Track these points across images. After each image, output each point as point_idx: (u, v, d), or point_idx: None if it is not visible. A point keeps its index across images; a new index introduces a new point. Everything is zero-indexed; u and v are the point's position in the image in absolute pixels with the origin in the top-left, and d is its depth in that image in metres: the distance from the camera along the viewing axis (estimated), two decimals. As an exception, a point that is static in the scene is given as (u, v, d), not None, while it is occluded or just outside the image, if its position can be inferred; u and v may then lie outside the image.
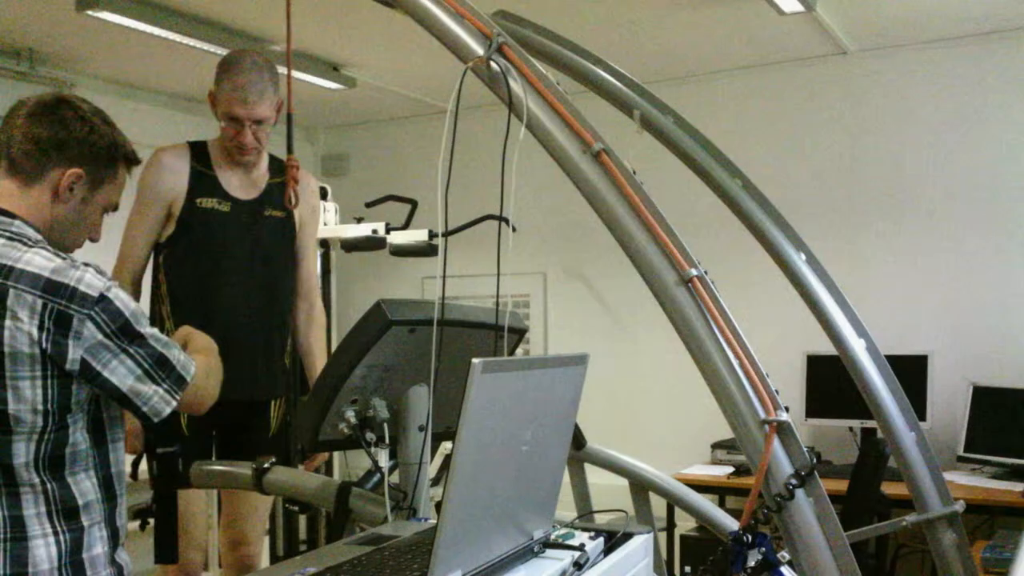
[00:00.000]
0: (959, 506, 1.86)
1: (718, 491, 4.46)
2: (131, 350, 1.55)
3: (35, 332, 1.48)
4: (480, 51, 1.53)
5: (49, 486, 1.54)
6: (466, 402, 1.07)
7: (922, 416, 4.18)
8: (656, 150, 2.17)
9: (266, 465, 2.08)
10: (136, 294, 2.52)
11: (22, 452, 1.51)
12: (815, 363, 4.59)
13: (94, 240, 1.71)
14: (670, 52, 4.76)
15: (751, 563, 1.44)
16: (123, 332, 1.54)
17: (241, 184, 2.58)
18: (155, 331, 1.60)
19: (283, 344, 2.68)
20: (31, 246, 1.54)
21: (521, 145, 1.48)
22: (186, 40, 4.20)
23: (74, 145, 1.62)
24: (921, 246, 4.64)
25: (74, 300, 1.50)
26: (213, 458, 2.54)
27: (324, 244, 4.80)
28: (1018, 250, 4.44)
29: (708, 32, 4.45)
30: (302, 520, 4.82)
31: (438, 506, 1.37)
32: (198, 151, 2.58)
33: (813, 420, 4.63)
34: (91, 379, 1.52)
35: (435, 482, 3.31)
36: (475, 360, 1.07)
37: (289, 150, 2.98)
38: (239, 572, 2.63)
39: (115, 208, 1.73)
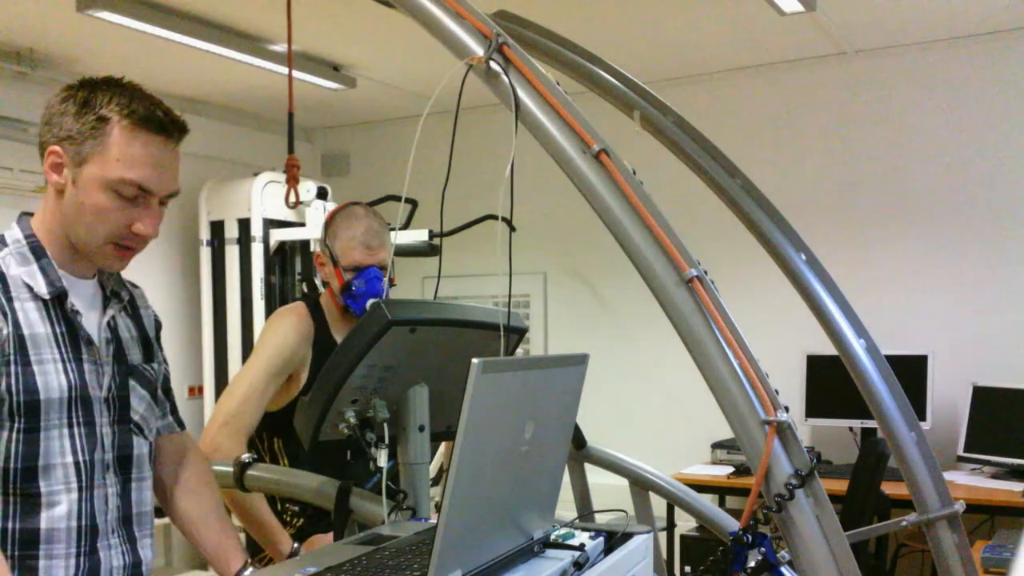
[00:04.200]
0: (959, 506, 1.86)
1: (718, 491, 4.46)
2: None
3: None
4: (480, 51, 1.53)
5: None
6: (466, 402, 1.07)
7: (922, 416, 4.19)
8: (656, 150, 2.17)
9: (246, 460, 2.03)
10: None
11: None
12: (815, 363, 4.60)
13: (139, 233, 1.49)
14: (670, 52, 4.76)
15: (751, 563, 1.44)
16: None
17: None
18: None
19: None
20: None
21: (521, 145, 1.48)
22: (186, 40, 4.21)
23: (51, 118, 1.51)
24: (921, 246, 4.65)
25: None
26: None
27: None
28: (1018, 250, 4.44)
29: (708, 32, 4.45)
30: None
31: (438, 506, 1.37)
32: (317, 315, 2.42)
33: (813, 420, 4.64)
34: None
35: (435, 482, 3.31)
36: (475, 360, 1.07)
37: (290, 150, 2.98)
38: None
39: (137, 185, 1.47)
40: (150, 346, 1.70)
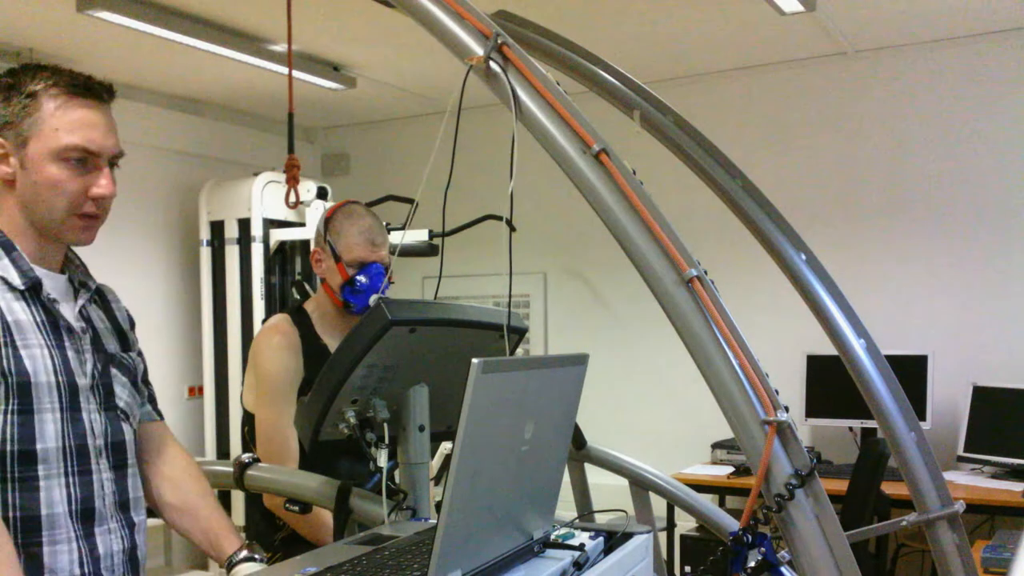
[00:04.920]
0: (959, 506, 1.85)
1: (718, 491, 4.46)
2: None
3: None
4: (480, 51, 1.53)
5: None
6: (466, 402, 1.07)
7: (922, 416, 4.19)
8: (656, 150, 2.17)
9: (246, 460, 2.03)
10: None
11: None
12: (815, 363, 4.60)
13: (96, 196, 1.54)
14: (670, 52, 4.76)
15: (751, 563, 1.44)
16: None
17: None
18: None
19: None
20: None
21: (521, 145, 1.48)
22: (186, 40, 4.20)
23: None
24: (921, 246, 4.65)
25: None
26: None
27: (324, 244, 4.80)
28: (1018, 250, 4.44)
29: (708, 32, 4.45)
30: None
31: (438, 506, 1.37)
32: (301, 322, 2.41)
33: (813, 420, 4.64)
34: None
35: (435, 482, 3.32)
36: (475, 360, 1.07)
37: (290, 150, 2.98)
38: None
39: (82, 149, 1.52)
40: (125, 337, 1.72)
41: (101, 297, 1.71)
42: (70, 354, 1.54)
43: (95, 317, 1.65)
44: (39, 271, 1.55)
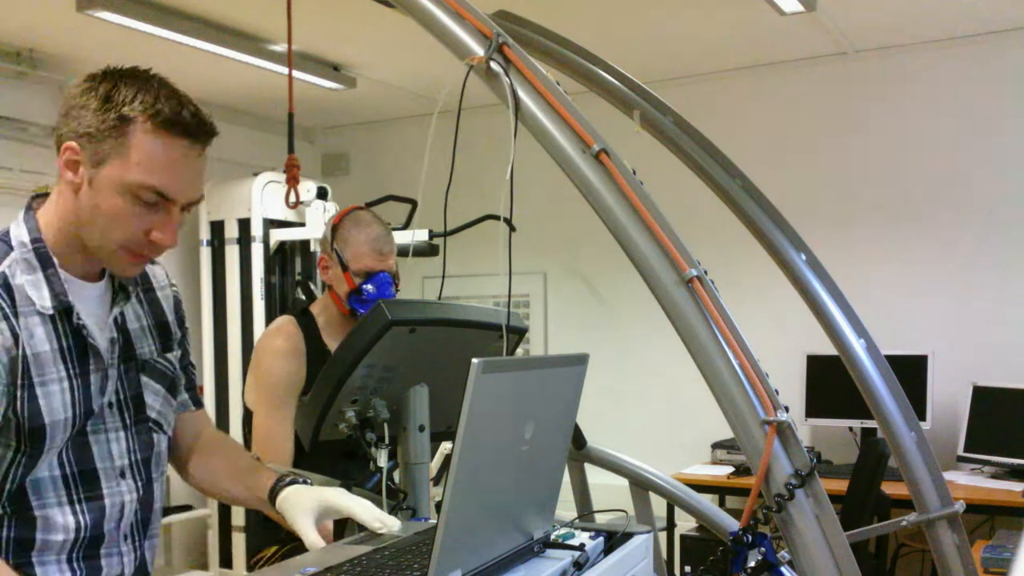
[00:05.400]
0: (959, 506, 1.86)
1: (718, 491, 4.46)
2: None
3: None
4: (480, 51, 1.53)
5: None
6: (466, 402, 1.07)
7: (922, 416, 4.19)
8: (656, 150, 2.17)
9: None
10: None
11: None
12: (815, 363, 4.60)
13: (156, 241, 1.42)
14: (670, 52, 4.76)
15: (751, 563, 1.44)
16: None
17: None
18: None
19: None
20: None
21: (521, 145, 1.48)
22: (186, 40, 4.21)
23: (69, 110, 1.41)
24: (921, 246, 4.65)
25: None
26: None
27: (324, 244, 4.80)
28: (1018, 250, 4.44)
29: (708, 32, 4.45)
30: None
31: (438, 506, 1.37)
32: (307, 325, 2.39)
33: (813, 420, 4.64)
34: None
35: (435, 482, 3.31)
36: (475, 360, 1.07)
37: (290, 150, 2.98)
38: None
39: (159, 192, 1.38)
40: (167, 330, 1.63)
41: (145, 283, 1.61)
42: (92, 378, 1.45)
43: (131, 317, 1.56)
44: (75, 282, 1.45)
